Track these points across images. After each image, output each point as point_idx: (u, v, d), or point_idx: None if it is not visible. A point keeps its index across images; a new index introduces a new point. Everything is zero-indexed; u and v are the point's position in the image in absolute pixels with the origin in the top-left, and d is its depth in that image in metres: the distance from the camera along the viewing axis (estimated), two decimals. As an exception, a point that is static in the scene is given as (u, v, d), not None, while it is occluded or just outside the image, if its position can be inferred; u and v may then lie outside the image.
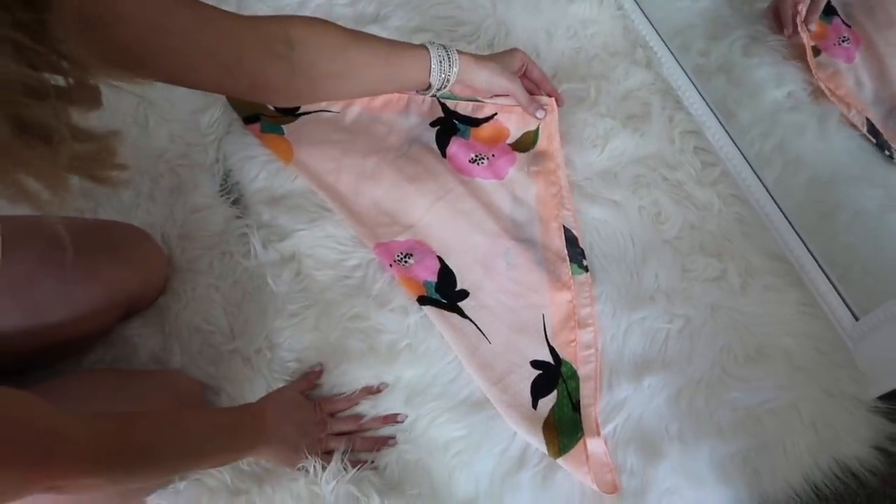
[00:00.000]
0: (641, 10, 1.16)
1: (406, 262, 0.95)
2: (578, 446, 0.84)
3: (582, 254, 0.96)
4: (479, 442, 0.86)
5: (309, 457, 0.79)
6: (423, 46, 0.89)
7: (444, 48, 0.90)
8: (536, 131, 1.04)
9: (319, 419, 0.84)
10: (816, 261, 0.92)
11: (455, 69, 0.90)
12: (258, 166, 1.03)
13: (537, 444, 0.85)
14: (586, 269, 0.95)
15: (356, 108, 1.07)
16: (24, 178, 0.42)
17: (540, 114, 1.00)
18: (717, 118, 1.04)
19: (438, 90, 0.93)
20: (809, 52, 1.05)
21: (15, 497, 0.52)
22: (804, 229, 0.95)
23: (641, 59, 1.14)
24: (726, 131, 1.03)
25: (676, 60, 1.10)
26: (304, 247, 0.97)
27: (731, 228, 1.00)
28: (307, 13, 1.18)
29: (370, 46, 0.85)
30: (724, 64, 1.12)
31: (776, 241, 0.97)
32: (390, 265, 0.95)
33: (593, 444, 0.85)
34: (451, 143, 1.03)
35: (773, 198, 0.98)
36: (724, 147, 1.03)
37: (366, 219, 0.98)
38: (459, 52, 0.91)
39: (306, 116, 1.06)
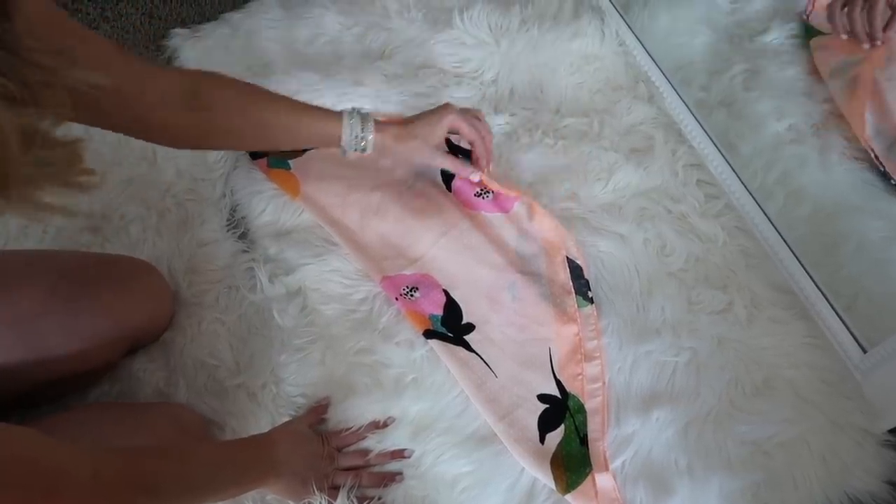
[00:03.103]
0: (643, 45, 1.18)
1: (412, 295, 0.95)
2: (587, 482, 0.83)
3: (587, 285, 0.96)
4: (486, 478, 0.85)
5: (316, 492, 0.78)
6: (337, 114, 0.89)
7: (363, 118, 0.89)
8: None
9: (327, 453, 0.83)
10: (822, 292, 0.92)
11: (370, 138, 0.90)
12: (265, 201, 1.04)
13: (545, 479, 0.84)
14: (591, 300, 0.95)
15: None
16: None
17: (475, 177, 0.99)
18: (720, 151, 1.05)
19: (358, 150, 0.92)
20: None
21: None
22: (808, 261, 0.95)
23: (643, 94, 1.15)
24: (729, 164, 1.04)
25: (678, 95, 1.12)
26: (311, 281, 0.97)
27: (736, 260, 1.00)
28: (314, 51, 1.20)
29: (276, 108, 0.86)
30: (724, 98, 1.14)
31: (781, 272, 0.97)
32: (396, 299, 0.95)
33: (602, 480, 0.84)
34: (457, 177, 1.04)
35: (776, 229, 0.98)
36: (727, 180, 1.03)
37: (372, 252, 0.99)
38: (379, 123, 0.91)
39: (313, 151, 1.07)
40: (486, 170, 1.02)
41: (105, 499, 0.58)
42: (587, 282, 0.97)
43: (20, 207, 0.45)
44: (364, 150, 0.90)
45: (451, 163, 0.97)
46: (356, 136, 0.89)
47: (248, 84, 0.84)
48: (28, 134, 0.43)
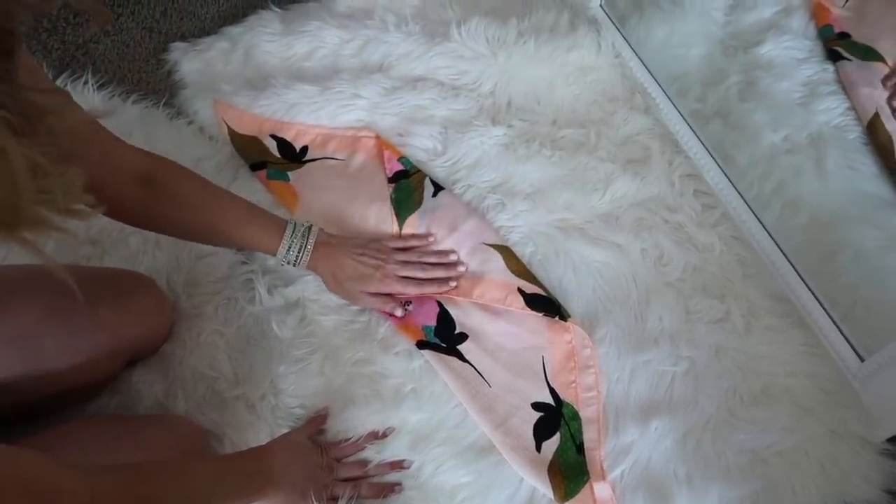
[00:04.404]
0: (639, 57, 1.19)
1: (405, 309, 0.95)
2: (585, 490, 0.83)
3: (555, 306, 0.95)
4: (485, 488, 0.85)
5: (315, 503, 0.78)
6: (280, 230, 0.89)
7: (303, 240, 0.90)
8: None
9: (326, 464, 0.83)
10: (819, 301, 0.93)
11: (304, 260, 0.90)
12: (264, 212, 1.04)
13: (543, 488, 0.84)
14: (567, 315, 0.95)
15: (361, 157, 1.09)
16: None
17: (399, 312, 0.94)
18: (716, 161, 1.06)
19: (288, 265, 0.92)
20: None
21: None
22: (805, 270, 0.95)
23: (640, 105, 1.16)
24: (725, 174, 1.05)
25: (674, 106, 1.13)
26: (309, 292, 0.97)
27: (733, 270, 1.00)
28: (313, 63, 1.21)
29: (225, 212, 0.86)
30: (720, 109, 1.15)
31: (778, 282, 0.97)
32: (390, 314, 0.95)
33: (600, 489, 0.84)
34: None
35: (773, 239, 0.99)
36: (724, 190, 1.04)
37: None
38: (318, 250, 0.91)
39: (312, 164, 1.08)
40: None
41: None
42: (555, 303, 0.95)
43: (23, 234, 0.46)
44: (295, 265, 0.91)
45: (378, 304, 0.94)
46: (290, 259, 0.90)
47: (203, 180, 0.85)
48: (32, 165, 0.44)
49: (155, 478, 0.65)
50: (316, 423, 0.88)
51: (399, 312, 0.94)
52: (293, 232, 0.90)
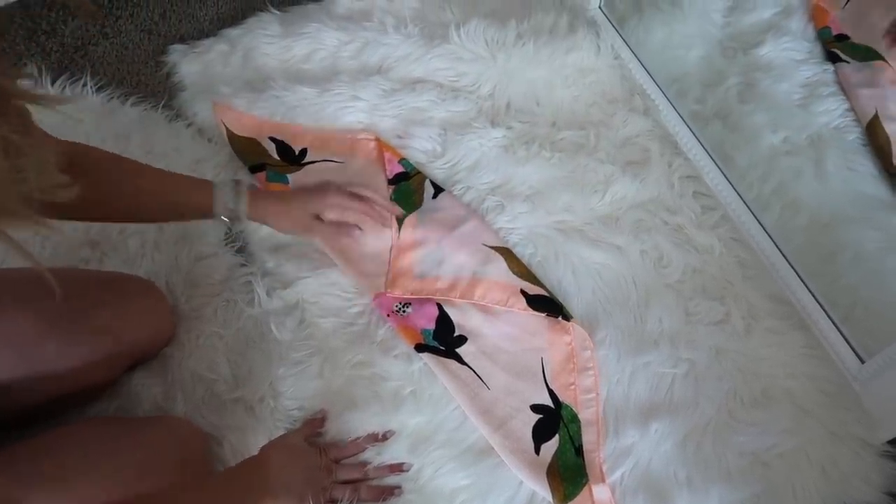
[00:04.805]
0: (638, 59, 1.19)
1: (404, 311, 0.95)
2: (584, 493, 0.83)
3: (557, 307, 0.95)
4: (485, 491, 0.85)
5: None
6: (208, 185, 0.88)
7: (236, 190, 0.89)
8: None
9: (325, 465, 0.82)
10: (819, 303, 0.93)
11: (242, 209, 0.89)
12: (263, 215, 1.04)
13: (542, 491, 0.84)
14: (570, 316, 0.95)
15: (361, 159, 1.09)
16: None
17: (355, 234, 0.98)
18: (716, 163, 1.06)
19: (229, 221, 0.91)
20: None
21: None
22: (805, 272, 0.95)
23: (639, 107, 1.16)
24: (725, 176, 1.05)
25: (673, 107, 1.13)
26: (308, 294, 0.97)
27: (733, 272, 1.00)
28: (313, 66, 1.21)
29: (147, 180, 0.85)
30: (720, 110, 1.15)
31: (778, 283, 0.97)
32: (388, 315, 0.95)
33: (599, 491, 0.83)
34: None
35: (773, 241, 0.98)
36: (723, 191, 1.04)
37: (365, 269, 0.99)
38: (254, 193, 0.91)
39: (311, 166, 1.08)
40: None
41: None
42: (557, 304, 0.96)
43: (6, 222, 0.45)
44: (238, 219, 0.90)
45: (327, 234, 0.97)
46: (227, 208, 0.89)
47: (118, 156, 0.83)
48: (4, 145, 0.44)
49: None
50: (313, 426, 0.87)
51: (356, 234, 0.97)
52: (223, 186, 0.88)
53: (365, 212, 0.97)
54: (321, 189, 0.95)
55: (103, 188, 0.79)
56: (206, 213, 0.88)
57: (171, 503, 0.68)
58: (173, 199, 0.86)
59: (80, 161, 0.76)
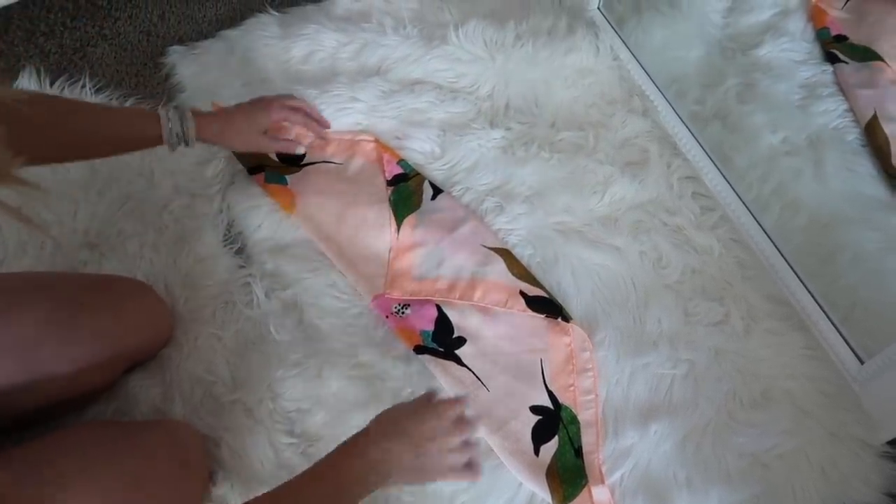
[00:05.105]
0: (637, 60, 1.19)
1: (403, 312, 0.95)
2: (583, 494, 0.83)
3: (556, 308, 0.96)
4: (484, 492, 0.85)
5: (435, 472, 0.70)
6: (154, 114, 0.88)
7: (180, 114, 0.89)
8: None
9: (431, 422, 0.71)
10: (818, 303, 0.93)
11: (191, 133, 0.90)
12: (262, 216, 1.04)
13: (542, 492, 0.84)
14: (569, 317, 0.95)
15: (359, 160, 1.09)
16: None
17: (300, 150, 1.06)
18: (715, 164, 1.06)
19: (181, 145, 0.91)
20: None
21: None
22: (805, 272, 0.95)
23: (638, 108, 1.16)
24: (724, 176, 1.05)
25: (672, 108, 1.13)
26: (307, 295, 0.97)
27: (732, 272, 1.00)
28: (311, 67, 1.21)
29: (91, 115, 0.84)
30: (719, 111, 1.15)
31: (777, 284, 0.97)
32: (387, 317, 0.95)
33: (598, 492, 0.83)
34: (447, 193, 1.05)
35: (772, 241, 0.98)
36: (722, 192, 1.04)
37: (364, 270, 0.99)
38: (200, 116, 0.91)
39: (310, 167, 1.08)
40: (323, 135, 1.08)
41: None
42: (556, 305, 0.96)
43: None
44: (187, 144, 0.91)
45: (276, 146, 1.00)
46: (176, 134, 0.89)
47: (56, 97, 0.82)
48: None
49: None
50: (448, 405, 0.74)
51: (301, 150, 1.05)
52: (167, 113, 0.88)
53: (306, 116, 1.02)
54: (264, 102, 0.97)
55: (46, 131, 0.78)
56: (156, 141, 0.89)
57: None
58: (119, 133, 0.86)
59: (10, 107, 0.71)
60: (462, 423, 0.72)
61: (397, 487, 0.77)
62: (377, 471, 0.67)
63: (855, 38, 1.20)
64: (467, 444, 0.71)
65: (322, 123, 1.07)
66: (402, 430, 0.70)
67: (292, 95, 1.03)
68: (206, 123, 0.92)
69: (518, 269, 0.98)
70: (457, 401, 0.73)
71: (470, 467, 0.71)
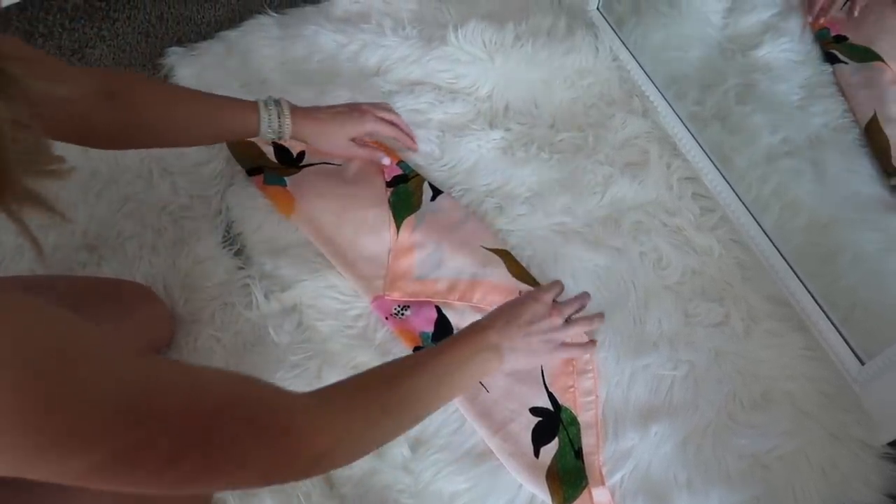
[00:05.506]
0: (636, 60, 1.19)
1: (402, 314, 0.95)
2: (583, 496, 0.83)
3: None
4: (484, 494, 0.85)
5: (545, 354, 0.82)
6: (253, 105, 0.90)
7: (279, 107, 0.91)
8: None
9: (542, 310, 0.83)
10: (818, 304, 0.92)
11: (287, 128, 0.91)
12: (261, 217, 1.04)
13: (542, 494, 0.83)
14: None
15: (359, 161, 1.08)
16: None
17: (385, 161, 1.05)
18: (714, 164, 1.06)
19: (279, 138, 0.93)
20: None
21: None
22: (805, 272, 0.95)
23: (638, 108, 1.16)
24: (724, 177, 1.04)
25: (672, 109, 1.12)
26: (307, 297, 0.97)
27: (732, 273, 1.00)
28: (310, 68, 1.21)
29: (194, 102, 0.86)
30: (718, 111, 1.15)
31: (777, 284, 0.97)
32: (387, 318, 0.95)
33: (599, 494, 0.83)
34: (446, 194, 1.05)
35: (772, 242, 0.98)
36: (722, 193, 1.04)
37: (364, 271, 0.98)
38: (295, 113, 0.92)
39: (309, 169, 1.07)
40: (413, 146, 1.08)
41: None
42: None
43: (10, 201, 0.44)
44: (281, 137, 0.92)
45: (361, 153, 1.02)
46: (272, 128, 0.90)
47: (160, 80, 0.83)
48: (13, 123, 0.43)
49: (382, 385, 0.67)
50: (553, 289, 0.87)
51: (386, 161, 1.05)
52: (266, 105, 0.90)
53: (397, 130, 1.03)
54: (360, 111, 0.98)
55: (145, 114, 0.80)
56: (251, 134, 0.91)
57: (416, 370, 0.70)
58: (216, 123, 0.88)
59: (119, 87, 0.77)
60: (564, 305, 0.85)
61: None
62: (495, 349, 0.77)
63: (854, 38, 1.20)
64: (569, 323, 0.84)
65: (411, 137, 1.07)
66: (508, 315, 0.80)
67: (388, 106, 1.04)
68: (302, 125, 0.93)
69: (518, 269, 0.98)
70: (556, 283, 0.87)
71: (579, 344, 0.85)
